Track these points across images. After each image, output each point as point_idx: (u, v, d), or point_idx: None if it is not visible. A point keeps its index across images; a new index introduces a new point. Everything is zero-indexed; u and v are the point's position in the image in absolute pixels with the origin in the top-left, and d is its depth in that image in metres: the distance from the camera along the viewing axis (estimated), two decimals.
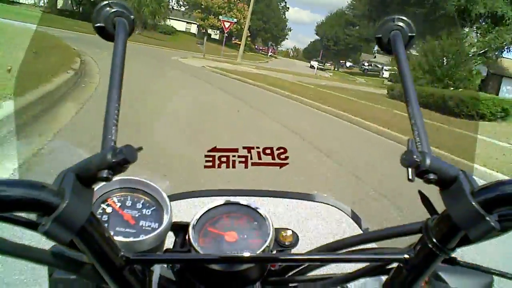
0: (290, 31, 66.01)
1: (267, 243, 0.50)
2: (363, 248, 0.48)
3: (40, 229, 0.32)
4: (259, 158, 0.59)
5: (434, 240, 0.39)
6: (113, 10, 0.47)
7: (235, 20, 21.56)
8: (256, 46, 58.06)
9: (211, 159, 0.59)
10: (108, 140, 0.37)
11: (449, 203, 0.36)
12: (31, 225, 0.35)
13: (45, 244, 0.39)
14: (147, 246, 0.48)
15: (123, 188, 0.53)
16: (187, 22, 44.85)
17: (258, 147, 0.59)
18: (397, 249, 0.43)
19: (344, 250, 0.49)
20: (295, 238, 0.57)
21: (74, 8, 35.43)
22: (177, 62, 14.75)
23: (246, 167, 0.59)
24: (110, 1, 0.47)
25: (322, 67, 41.10)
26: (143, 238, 0.48)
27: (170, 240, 0.54)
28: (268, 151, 0.60)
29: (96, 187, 0.50)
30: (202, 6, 39.97)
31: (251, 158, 0.59)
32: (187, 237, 0.51)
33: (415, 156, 0.35)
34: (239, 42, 51.81)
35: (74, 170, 0.34)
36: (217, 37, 45.30)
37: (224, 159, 0.59)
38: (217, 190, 0.69)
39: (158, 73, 9.60)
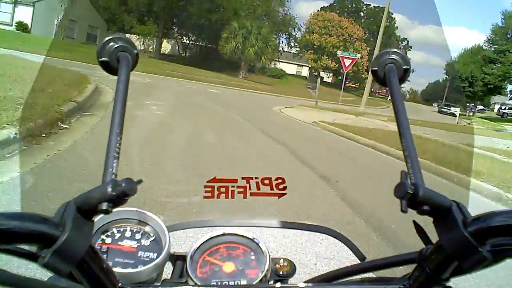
0: (412, 72, 59.70)
1: (263, 273, 0.52)
2: (360, 278, 0.49)
3: (40, 261, 0.33)
4: (258, 188, 0.60)
5: (428, 270, 0.39)
6: (117, 45, 0.49)
7: (357, 55, 17.15)
8: (372, 89, 53.11)
9: (210, 189, 0.59)
10: (108, 173, 0.38)
11: (442, 233, 0.37)
12: (31, 257, 0.36)
13: (41, 275, 0.41)
14: (146, 276, 0.49)
15: (123, 219, 0.54)
16: (298, 65, 42.72)
17: (256, 177, 0.60)
18: (394, 279, 0.45)
19: (341, 280, 0.50)
20: (292, 268, 0.58)
21: (181, 52, 36.16)
22: (278, 114, 11.16)
23: (245, 197, 0.60)
24: (115, 36, 0.50)
25: (448, 110, 34.84)
26: (141, 269, 0.49)
27: (168, 271, 0.56)
28: (266, 181, 0.60)
29: (96, 218, 0.49)
30: (315, 46, 37.23)
31: (249, 189, 0.60)
32: (184, 268, 0.54)
33: (408, 188, 0.36)
34: (354, 85, 47.80)
35: (75, 202, 0.35)
36: (329, 80, 42.20)
37: (223, 189, 0.60)
38: (215, 221, 0.70)
39: (238, 141, 6.00)
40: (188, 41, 36.43)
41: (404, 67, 0.51)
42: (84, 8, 28.26)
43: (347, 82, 42.40)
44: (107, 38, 0.49)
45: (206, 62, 31.22)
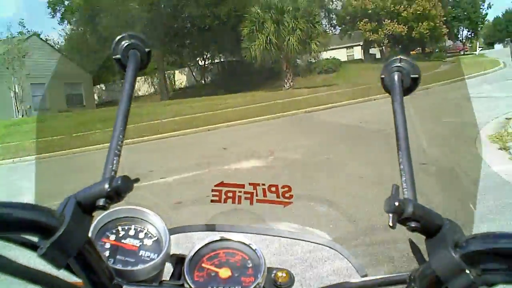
0: (490, 7, 48.22)
1: (258, 281, 0.53)
2: None
3: (38, 251, 0.35)
4: (264, 195, 0.62)
5: None
6: (128, 43, 0.53)
7: None
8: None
9: (217, 193, 0.63)
10: (108, 169, 0.42)
11: (432, 253, 0.37)
12: (31, 247, 0.39)
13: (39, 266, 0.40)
14: (144, 275, 0.51)
15: (127, 217, 0.56)
16: (348, 47, 33.88)
17: (263, 184, 0.62)
18: None
19: None
20: (291, 279, 0.58)
21: (199, 80, 27.93)
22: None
23: (251, 203, 0.62)
24: (127, 33, 0.53)
25: None
26: (141, 267, 0.51)
27: (169, 271, 0.57)
28: (273, 188, 0.63)
29: (102, 214, 0.53)
30: (369, 12, 27.76)
31: (256, 195, 0.63)
32: (182, 271, 0.54)
33: (396, 202, 0.37)
34: (428, 50, 37.40)
35: (75, 197, 0.38)
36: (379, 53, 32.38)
37: (230, 194, 0.63)
38: (216, 225, 0.71)
39: None
40: (203, 62, 28.12)
41: (412, 76, 0.51)
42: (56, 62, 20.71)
43: (412, 49, 32.68)
44: (120, 36, 0.52)
45: (233, 81, 22.52)
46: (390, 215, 0.37)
